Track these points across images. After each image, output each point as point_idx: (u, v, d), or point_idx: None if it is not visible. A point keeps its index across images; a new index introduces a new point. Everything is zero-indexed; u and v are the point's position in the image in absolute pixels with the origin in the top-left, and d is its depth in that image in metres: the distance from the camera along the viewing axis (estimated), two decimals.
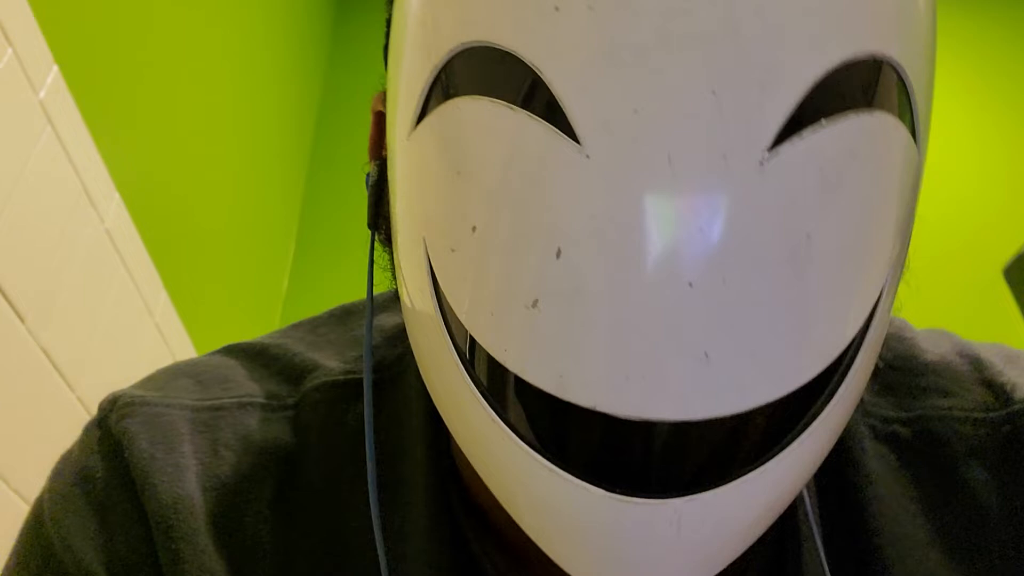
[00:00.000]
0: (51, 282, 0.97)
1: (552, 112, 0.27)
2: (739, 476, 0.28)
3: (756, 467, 0.29)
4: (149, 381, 0.47)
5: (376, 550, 0.39)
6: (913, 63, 0.29)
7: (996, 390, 0.43)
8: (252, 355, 0.48)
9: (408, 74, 0.32)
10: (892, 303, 0.32)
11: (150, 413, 0.43)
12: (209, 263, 1.53)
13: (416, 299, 0.32)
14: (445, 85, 0.30)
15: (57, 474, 0.44)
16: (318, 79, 2.23)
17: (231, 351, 0.49)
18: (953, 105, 2.17)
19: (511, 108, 0.28)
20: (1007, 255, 1.45)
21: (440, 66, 0.30)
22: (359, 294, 0.46)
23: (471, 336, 0.30)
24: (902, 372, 0.44)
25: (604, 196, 0.26)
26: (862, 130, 0.28)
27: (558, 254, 0.27)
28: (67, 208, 1.00)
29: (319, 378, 0.45)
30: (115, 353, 1.13)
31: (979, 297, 1.83)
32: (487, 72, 0.29)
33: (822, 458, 0.32)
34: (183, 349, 1.35)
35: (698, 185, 0.26)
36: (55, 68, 0.95)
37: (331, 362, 0.46)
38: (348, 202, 2.10)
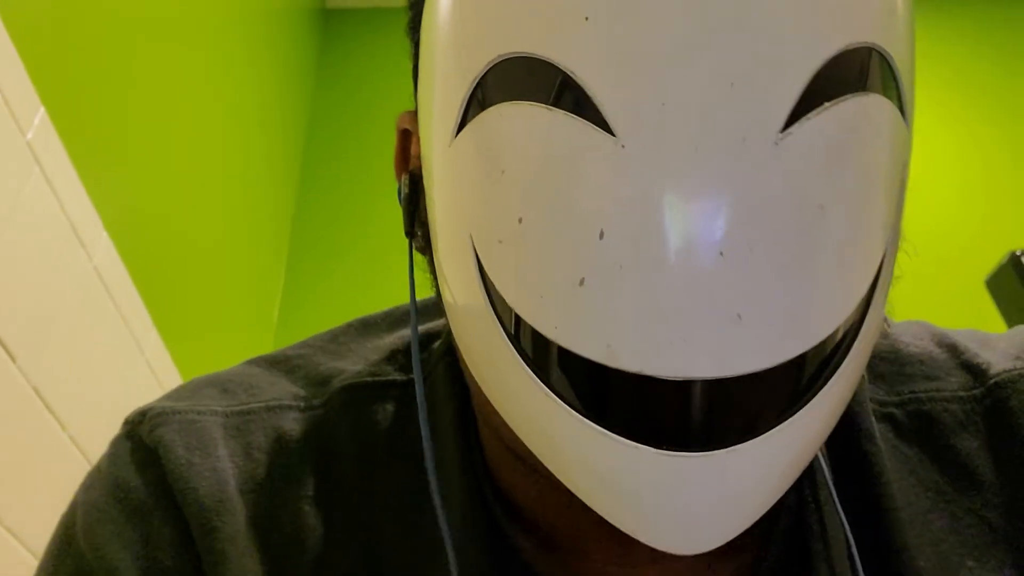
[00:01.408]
0: (41, 321, 0.97)
1: (587, 110, 0.30)
2: (774, 426, 0.31)
3: (788, 417, 0.32)
4: (175, 393, 0.48)
5: (413, 549, 0.41)
6: (898, 49, 0.33)
7: (974, 370, 0.46)
8: (275, 363, 0.49)
9: (445, 89, 0.35)
10: (893, 264, 0.35)
11: (183, 420, 0.44)
12: (198, 299, 1.54)
13: (462, 294, 0.35)
14: (483, 95, 0.33)
15: (87, 488, 0.45)
16: (304, 109, 2.24)
17: (253, 362, 0.50)
18: (933, 117, 2.20)
19: (549, 109, 0.31)
20: (990, 266, 1.47)
21: (478, 78, 0.33)
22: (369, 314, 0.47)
23: (520, 318, 0.32)
24: (888, 362, 0.48)
25: (640, 181, 0.30)
26: (859, 110, 0.31)
27: (601, 235, 0.30)
28: (56, 247, 1.01)
29: (345, 380, 0.47)
30: (107, 391, 1.13)
31: (962, 307, 1.84)
32: (524, 79, 0.32)
33: (841, 411, 0.35)
34: (174, 386, 1.35)
35: (723, 166, 0.29)
36: (42, 109, 0.96)
37: (354, 367, 0.48)
38: (336, 234, 2.11)
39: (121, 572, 0.41)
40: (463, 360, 0.39)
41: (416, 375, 0.42)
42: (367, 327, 0.52)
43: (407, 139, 0.44)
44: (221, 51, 1.64)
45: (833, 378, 0.32)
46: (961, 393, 0.46)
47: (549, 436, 0.34)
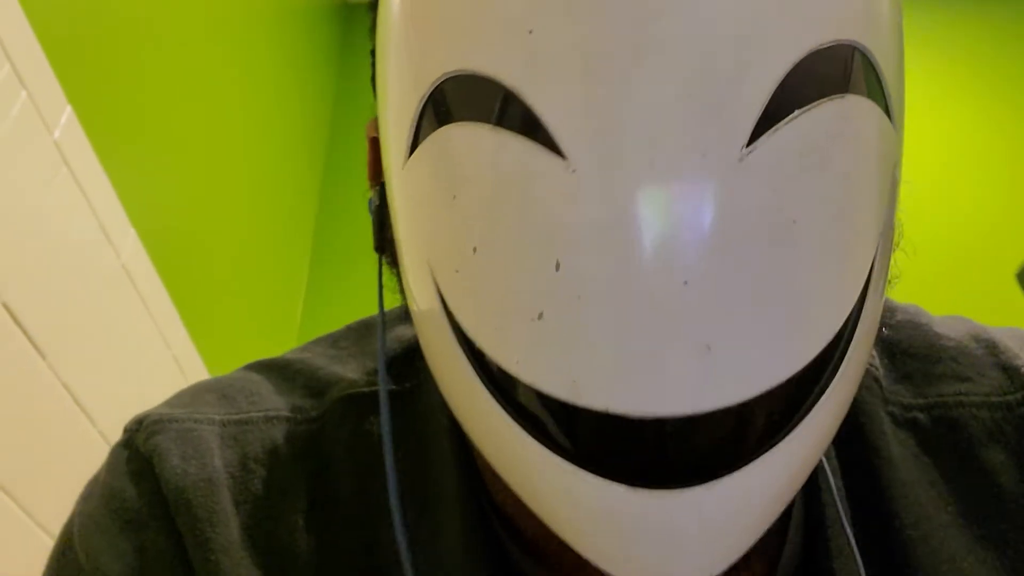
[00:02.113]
0: (70, 318, 0.98)
1: (535, 130, 0.28)
2: (752, 459, 0.29)
3: (768, 449, 0.30)
4: (175, 399, 0.47)
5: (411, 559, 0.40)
6: (879, 44, 0.31)
7: (1011, 373, 0.43)
8: (275, 369, 0.48)
9: (396, 106, 0.33)
10: (887, 273, 0.33)
11: (179, 429, 0.44)
12: (224, 294, 1.55)
13: (427, 319, 0.34)
14: (433, 115, 0.31)
15: (85, 498, 0.45)
16: (326, 103, 2.25)
17: (254, 367, 0.49)
18: (965, 109, 2.17)
19: (496, 130, 0.29)
20: (1020, 258, 1.45)
21: (425, 97, 0.31)
22: (392, 290, 0.46)
23: (483, 351, 0.31)
24: (919, 360, 0.45)
25: (593, 206, 0.28)
26: (836, 115, 0.29)
27: (557, 266, 0.28)
28: (84, 245, 1.02)
29: (341, 391, 0.46)
30: (135, 387, 1.14)
31: (992, 300, 1.82)
32: (471, 99, 0.30)
33: (832, 433, 0.32)
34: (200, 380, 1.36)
35: (682, 186, 0.27)
36: (68, 108, 0.97)
37: (353, 374, 0.47)
38: (359, 229, 2.10)
39: None
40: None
41: (382, 399, 0.40)
42: (368, 329, 0.51)
43: (376, 148, 0.41)
44: (244, 47, 1.65)
45: (820, 401, 0.30)
46: (994, 398, 0.43)
47: (520, 470, 0.32)
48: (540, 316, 0.29)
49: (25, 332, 0.88)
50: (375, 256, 0.42)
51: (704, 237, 0.27)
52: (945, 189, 2.05)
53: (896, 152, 0.32)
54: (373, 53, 0.38)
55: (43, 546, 0.89)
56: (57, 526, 0.45)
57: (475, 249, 0.30)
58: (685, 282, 0.27)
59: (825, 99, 0.29)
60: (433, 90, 0.31)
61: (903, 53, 0.33)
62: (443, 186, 0.31)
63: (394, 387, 0.46)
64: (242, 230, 1.65)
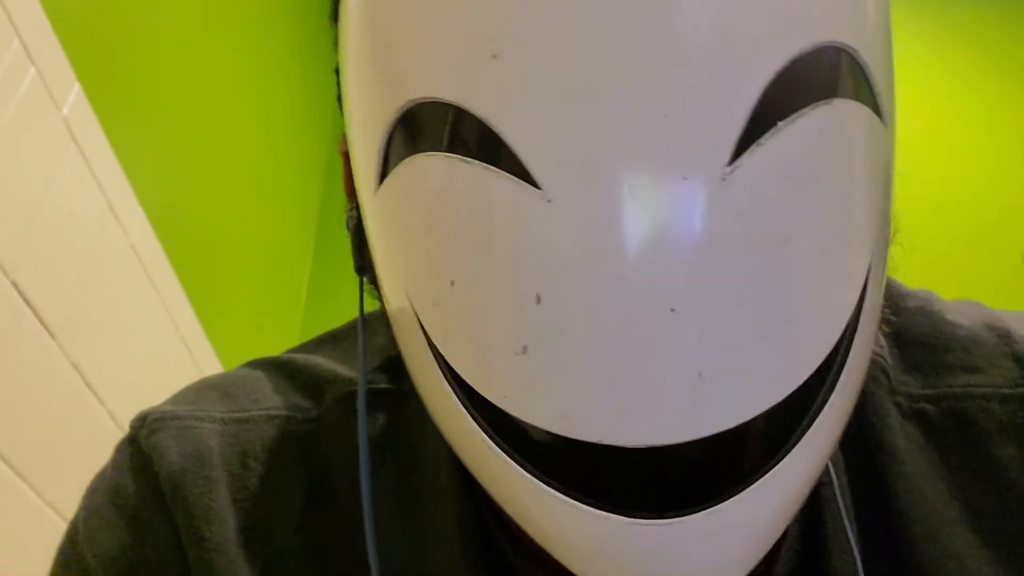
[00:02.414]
0: (79, 298, 0.98)
1: (508, 160, 0.27)
2: (753, 481, 0.29)
3: (768, 470, 0.29)
4: (178, 396, 0.47)
5: (402, 556, 0.40)
6: (864, 39, 0.29)
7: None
8: (277, 367, 0.49)
9: (363, 129, 0.32)
10: (883, 278, 0.32)
11: (180, 427, 0.44)
12: (232, 275, 1.54)
13: (410, 346, 0.33)
14: (401, 142, 0.30)
15: (91, 492, 0.45)
16: (334, 89, 2.24)
17: (257, 364, 0.49)
18: (971, 92, 2.16)
19: (467, 162, 0.28)
20: None
21: (393, 124, 0.30)
22: (375, 303, 0.46)
23: (468, 384, 0.30)
24: (929, 348, 0.43)
25: (572, 236, 0.27)
26: (823, 123, 0.28)
27: (538, 299, 0.27)
28: (93, 224, 1.01)
29: (339, 389, 0.46)
30: (143, 366, 1.13)
31: (999, 282, 1.82)
32: (439, 127, 0.29)
33: (835, 442, 0.32)
34: (208, 361, 1.36)
35: (664, 212, 0.26)
36: (77, 86, 0.96)
37: (352, 373, 0.47)
38: None
39: None
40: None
41: (360, 418, 0.40)
42: (368, 327, 0.51)
43: (351, 163, 0.41)
44: (254, 29, 1.64)
45: (819, 417, 0.29)
46: (1005, 390, 0.41)
47: (515, 500, 0.31)
48: (524, 350, 0.28)
49: (35, 311, 0.88)
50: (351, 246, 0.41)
51: (690, 262, 0.26)
52: (954, 171, 2.04)
53: (888, 150, 0.31)
54: (337, 71, 0.37)
55: (53, 525, 0.89)
56: (66, 505, 0.46)
57: (453, 282, 0.29)
58: (672, 309, 0.26)
59: (809, 107, 0.27)
60: (401, 116, 0.30)
61: (891, 43, 0.32)
62: (416, 218, 0.30)
63: (391, 387, 0.46)
64: (249, 210, 1.64)
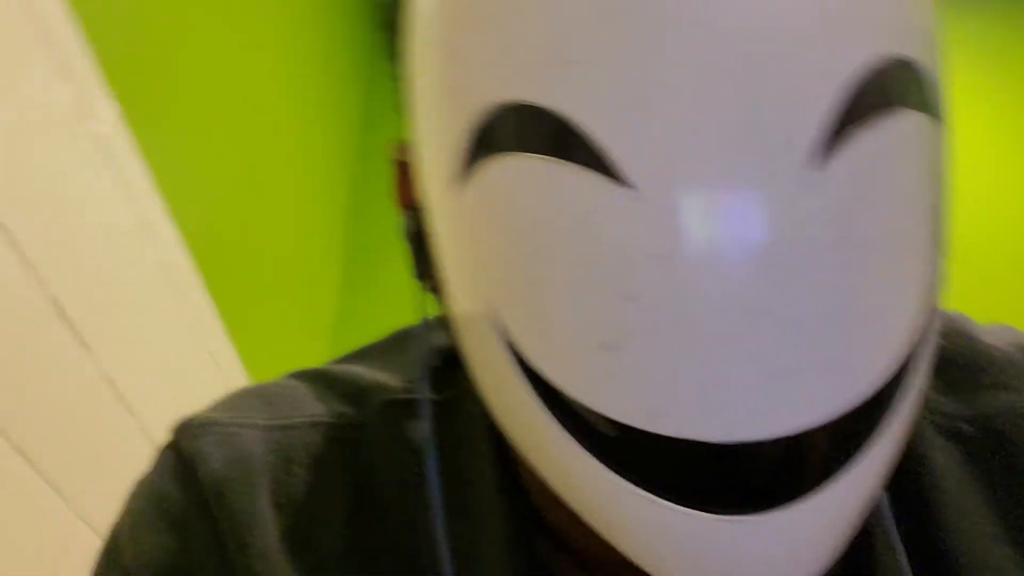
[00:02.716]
0: (114, 313, 0.99)
1: (597, 160, 0.28)
2: (832, 481, 0.29)
3: (846, 469, 0.30)
4: (219, 404, 0.47)
5: (450, 568, 0.40)
6: (924, 54, 0.30)
7: None
8: (316, 377, 0.49)
9: (439, 137, 0.32)
10: (942, 285, 0.33)
11: (223, 433, 0.44)
12: (261, 290, 1.55)
13: (481, 348, 0.33)
14: (482, 145, 0.30)
15: (133, 498, 0.45)
16: (360, 94, 2.26)
17: (296, 375, 0.49)
18: (993, 102, 2.15)
19: (556, 162, 0.28)
20: None
21: (474, 127, 0.30)
22: (405, 318, 0.47)
23: (551, 382, 0.30)
24: (965, 369, 0.44)
25: (662, 234, 0.27)
26: (894, 130, 0.29)
27: (629, 296, 0.28)
28: (126, 238, 1.03)
29: (384, 396, 0.46)
30: (172, 382, 1.14)
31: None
32: (525, 129, 0.29)
33: (902, 446, 0.32)
34: (236, 376, 1.37)
35: (751, 212, 0.27)
36: (113, 103, 0.98)
37: (393, 382, 0.47)
38: (393, 228, 2.11)
39: None
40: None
41: (426, 429, 0.41)
42: (407, 339, 0.51)
43: (405, 171, 0.41)
44: (283, 40, 1.66)
45: (892, 417, 0.30)
46: None
47: (589, 496, 0.32)
48: (612, 346, 0.28)
49: (72, 326, 0.89)
50: (407, 253, 0.41)
51: (776, 262, 0.27)
52: (978, 192, 2.02)
53: (948, 162, 0.32)
54: (397, 78, 0.37)
55: (86, 539, 0.89)
56: (99, 519, 0.46)
57: (541, 281, 0.30)
58: (759, 310, 0.27)
59: (879, 116, 0.28)
60: (482, 120, 0.30)
61: (941, 54, 0.33)
62: (500, 220, 0.30)
63: (435, 396, 0.46)
64: (279, 225, 1.65)
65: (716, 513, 0.29)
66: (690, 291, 0.27)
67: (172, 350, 1.16)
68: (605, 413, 0.29)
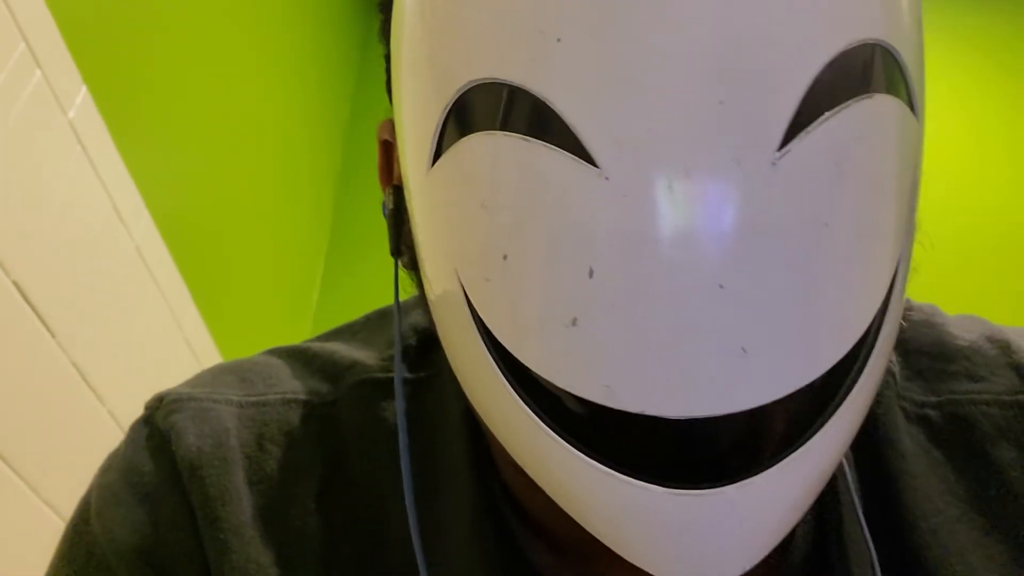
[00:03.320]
0: (81, 298, 0.98)
1: (567, 140, 0.28)
2: (787, 455, 0.30)
3: (801, 444, 0.30)
4: (195, 379, 0.48)
5: (416, 542, 0.41)
6: (902, 39, 0.31)
7: (1023, 373, 0.44)
8: (294, 355, 0.49)
9: (417, 112, 0.33)
10: (908, 265, 0.33)
11: (197, 408, 0.45)
12: (238, 278, 1.55)
13: (452, 325, 0.34)
14: (458, 123, 0.31)
15: (104, 470, 0.46)
16: (347, 91, 2.25)
17: (274, 352, 0.50)
18: (992, 100, 2.15)
19: (527, 140, 0.29)
20: None
21: (450, 104, 0.31)
22: (404, 290, 0.47)
23: (515, 357, 0.31)
24: (932, 357, 0.45)
25: (628, 215, 0.28)
26: (864, 115, 0.29)
27: (591, 273, 0.28)
28: (97, 225, 1.02)
29: (357, 375, 0.47)
30: (145, 367, 1.14)
31: (1016, 293, 1.80)
32: (497, 107, 0.30)
33: (858, 426, 0.33)
34: (212, 362, 1.36)
35: (716, 193, 0.28)
36: (83, 88, 0.97)
37: (369, 360, 0.48)
38: (378, 214, 2.10)
39: (130, 555, 0.42)
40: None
41: (398, 402, 0.42)
42: (385, 318, 0.52)
43: (389, 150, 0.42)
44: (263, 29, 1.65)
45: (849, 397, 0.31)
46: (1005, 397, 0.43)
47: (550, 471, 0.32)
48: (574, 322, 0.29)
49: (35, 310, 0.89)
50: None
51: (739, 242, 0.28)
52: (972, 181, 2.03)
53: (919, 145, 0.33)
54: (387, 58, 0.38)
55: (50, 524, 0.89)
56: (64, 504, 0.46)
57: (506, 256, 0.30)
58: (720, 286, 0.28)
59: (853, 100, 0.29)
60: (458, 97, 0.31)
61: (923, 43, 0.34)
62: (471, 194, 0.31)
63: (409, 375, 0.47)
64: (257, 213, 1.65)
65: (674, 487, 0.29)
66: (650, 269, 0.28)
67: (146, 337, 1.16)
68: (566, 388, 0.30)
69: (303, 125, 1.94)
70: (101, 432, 1.02)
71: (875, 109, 0.30)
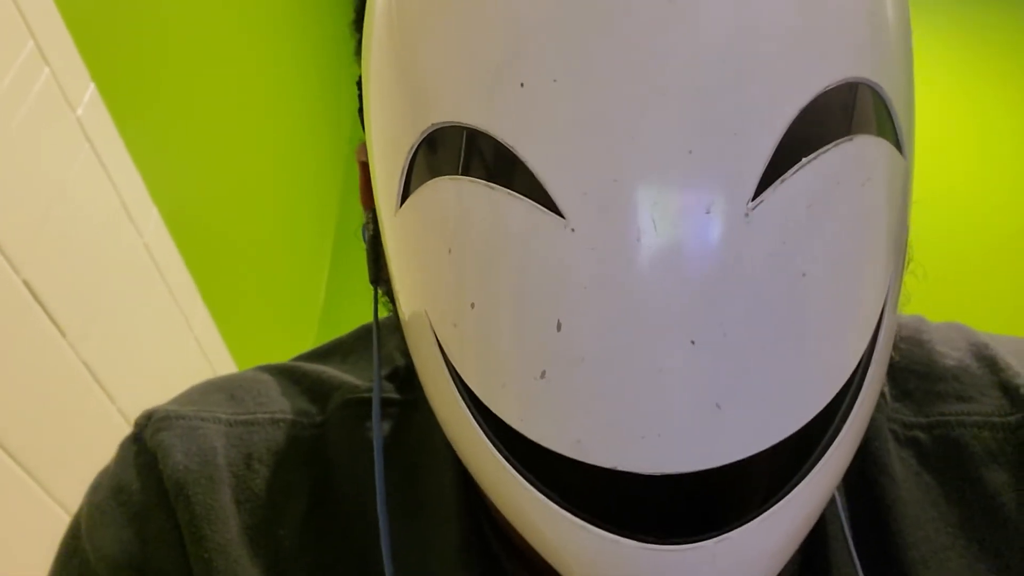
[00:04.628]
0: (91, 296, 0.98)
1: (532, 188, 0.27)
2: (764, 510, 0.29)
3: (780, 498, 0.29)
4: (184, 396, 0.48)
5: (404, 561, 0.40)
6: (887, 72, 0.29)
7: (1012, 393, 0.43)
8: (283, 372, 0.49)
9: (387, 148, 0.32)
10: (896, 308, 0.32)
11: (185, 427, 0.44)
12: (246, 275, 1.55)
13: (426, 362, 0.33)
14: (423, 164, 0.30)
15: (94, 489, 0.46)
16: (353, 88, 2.25)
17: (263, 369, 0.50)
18: (998, 101, 2.13)
19: (490, 187, 0.28)
20: None
21: (416, 145, 0.30)
22: (387, 309, 0.47)
23: (485, 404, 0.30)
24: (920, 378, 0.44)
25: (595, 266, 0.27)
26: (844, 159, 0.28)
27: (558, 326, 0.27)
28: (106, 223, 1.02)
29: (344, 395, 0.47)
30: (155, 365, 1.14)
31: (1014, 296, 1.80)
32: (464, 152, 0.29)
33: (844, 469, 0.32)
34: (221, 361, 1.36)
35: (686, 246, 0.26)
36: (91, 85, 0.97)
37: (358, 380, 0.47)
38: None
39: (121, 574, 0.42)
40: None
41: (375, 411, 0.41)
42: (378, 334, 0.51)
43: (368, 172, 0.42)
44: (270, 27, 1.65)
45: (834, 443, 0.30)
46: (995, 419, 0.42)
47: (524, 517, 0.31)
48: (542, 375, 0.28)
49: (45, 309, 0.88)
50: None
51: (710, 296, 0.27)
52: (976, 181, 2.02)
53: (906, 183, 0.31)
54: (359, 84, 0.37)
55: (60, 521, 0.89)
56: (74, 504, 0.46)
57: (473, 305, 0.29)
58: (692, 342, 0.27)
59: (832, 144, 0.28)
60: (424, 138, 0.30)
61: (912, 70, 0.32)
62: (437, 239, 0.30)
63: (397, 396, 0.46)
64: (265, 210, 1.65)
65: (648, 542, 0.28)
66: (618, 323, 0.27)
67: (155, 336, 1.16)
68: (536, 440, 0.29)
69: (310, 124, 1.94)
70: (111, 431, 1.02)
71: (856, 152, 0.28)
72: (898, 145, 0.30)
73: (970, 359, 0.44)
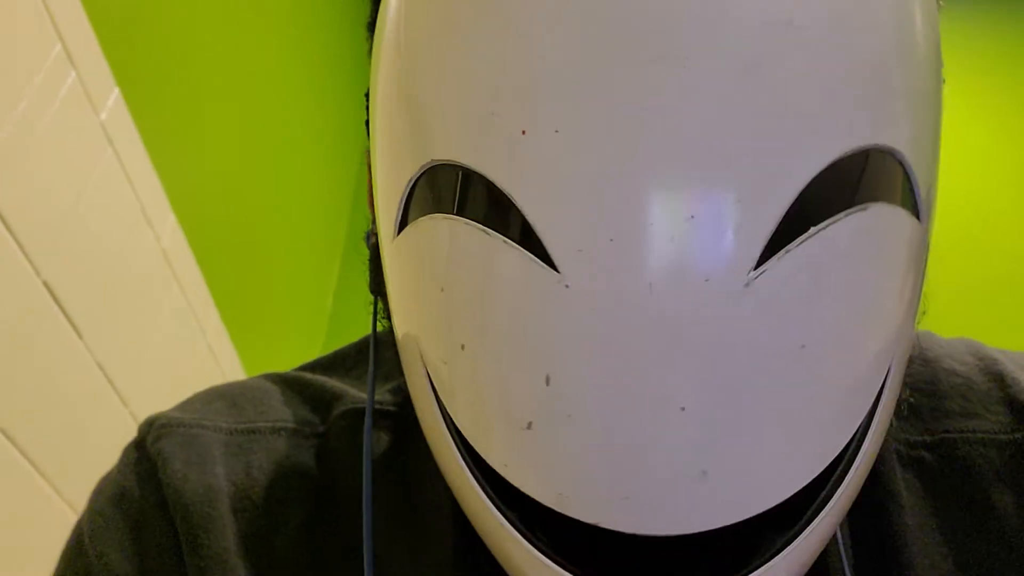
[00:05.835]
0: (108, 299, 0.99)
1: (527, 237, 0.27)
2: (755, 568, 0.28)
3: (766, 561, 0.29)
4: (186, 404, 0.48)
5: (398, 572, 0.40)
6: (910, 138, 0.28)
7: (1018, 410, 0.42)
8: (286, 381, 0.49)
9: (388, 174, 0.32)
10: (902, 374, 0.31)
11: (186, 434, 0.44)
12: (259, 283, 1.55)
13: (416, 389, 0.33)
14: (421, 199, 0.30)
15: (96, 494, 0.46)
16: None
17: (267, 377, 0.50)
18: (985, 115, 2.14)
19: (486, 232, 0.28)
20: None
21: (415, 179, 0.30)
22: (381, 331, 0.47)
23: (471, 445, 0.30)
24: (926, 395, 0.44)
25: (587, 325, 0.26)
26: (855, 230, 0.27)
27: (547, 380, 0.27)
28: (125, 227, 1.03)
29: (345, 405, 0.47)
30: (168, 369, 1.14)
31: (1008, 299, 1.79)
32: (461, 191, 0.29)
33: (835, 529, 0.31)
34: (232, 366, 1.37)
35: (682, 313, 0.26)
36: (116, 90, 0.98)
37: (359, 391, 0.47)
38: None
39: None
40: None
41: (366, 437, 0.41)
42: (378, 346, 0.51)
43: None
44: (293, 35, 1.65)
45: (824, 510, 0.29)
46: (1001, 436, 0.41)
47: (508, 555, 0.31)
48: (528, 426, 0.28)
49: (64, 310, 0.89)
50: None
51: (704, 364, 0.26)
52: (976, 179, 2.02)
53: (923, 249, 0.30)
54: (367, 96, 0.37)
55: (70, 523, 0.89)
56: (83, 502, 0.46)
57: (463, 347, 0.29)
58: (682, 408, 0.26)
59: (843, 213, 0.27)
60: (424, 172, 0.30)
61: (939, 128, 0.31)
62: (430, 276, 0.30)
63: (396, 409, 0.46)
64: (279, 218, 1.65)
65: None
66: (608, 383, 0.26)
67: (168, 340, 1.16)
68: (520, 487, 0.29)
69: (325, 135, 1.95)
70: (123, 433, 1.02)
71: (868, 222, 0.27)
72: (916, 210, 0.29)
73: (977, 374, 0.43)
